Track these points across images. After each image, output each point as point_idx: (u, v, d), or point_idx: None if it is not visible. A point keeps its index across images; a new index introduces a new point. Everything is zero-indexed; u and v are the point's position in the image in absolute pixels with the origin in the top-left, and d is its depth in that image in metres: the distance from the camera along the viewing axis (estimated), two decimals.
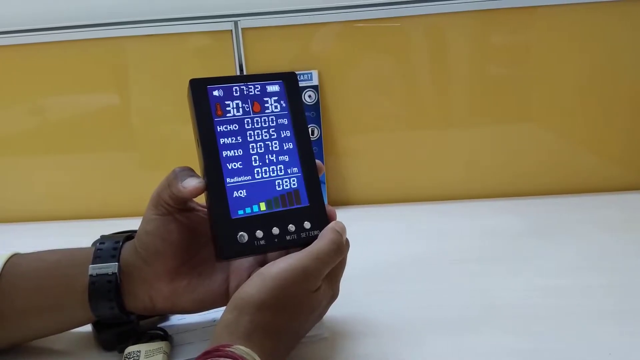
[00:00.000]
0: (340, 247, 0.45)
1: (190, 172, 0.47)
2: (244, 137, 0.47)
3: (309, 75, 0.86)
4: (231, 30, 0.85)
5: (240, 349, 0.39)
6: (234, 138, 0.47)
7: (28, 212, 0.94)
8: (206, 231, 0.48)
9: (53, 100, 0.90)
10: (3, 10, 0.87)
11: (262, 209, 0.46)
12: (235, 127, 0.47)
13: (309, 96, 0.86)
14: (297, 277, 0.43)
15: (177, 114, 0.88)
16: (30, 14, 0.87)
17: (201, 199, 0.48)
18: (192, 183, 0.45)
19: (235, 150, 0.47)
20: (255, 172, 0.47)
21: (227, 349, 0.39)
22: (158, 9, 0.86)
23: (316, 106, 0.87)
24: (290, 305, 0.43)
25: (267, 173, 0.47)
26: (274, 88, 0.49)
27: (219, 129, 0.47)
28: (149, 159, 0.91)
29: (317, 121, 0.87)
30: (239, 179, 0.46)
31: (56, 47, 0.87)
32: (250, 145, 0.47)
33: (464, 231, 0.76)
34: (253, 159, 0.47)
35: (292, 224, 0.47)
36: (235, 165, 0.46)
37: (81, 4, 0.86)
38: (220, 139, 0.46)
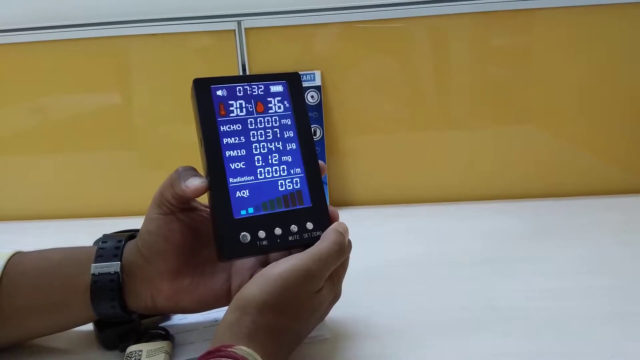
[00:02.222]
0: (342, 248, 0.45)
1: (193, 171, 0.47)
2: (247, 137, 0.47)
3: (312, 75, 0.86)
4: (234, 30, 0.85)
5: (242, 349, 0.39)
6: (237, 138, 0.47)
7: (30, 210, 0.94)
8: (208, 231, 0.47)
9: (54, 99, 0.90)
10: (4, 8, 0.87)
11: (264, 210, 0.46)
12: (239, 127, 0.47)
13: (312, 96, 0.86)
14: (299, 278, 0.43)
15: (179, 113, 0.88)
16: (32, 12, 0.87)
17: (204, 199, 0.48)
18: (194, 183, 0.45)
19: (238, 150, 0.47)
20: (258, 172, 0.47)
21: (229, 349, 0.39)
22: (161, 9, 0.86)
23: (319, 107, 0.87)
24: (292, 306, 0.43)
25: (270, 173, 0.47)
26: (277, 88, 0.49)
27: (222, 128, 0.46)
28: (151, 158, 0.91)
29: (320, 122, 0.87)
30: (242, 179, 0.46)
31: (58, 45, 0.87)
32: (254, 145, 0.47)
33: (465, 233, 0.76)
34: (256, 159, 0.47)
35: (295, 224, 0.47)
36: (238, 165, 0.46)
37: (83, 3, 0.86)
38: (224, 139, 0.46)
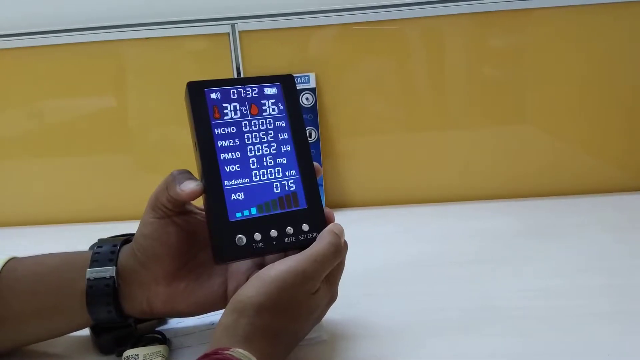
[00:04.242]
0: (338, 249, 0.45)
1: (188, 174, 0.47)
2: (242, 139, 0.47)
3: (307, 77, 0.86)
4: (228, 33, 0.85)
5: (238, 352, 0.39)
6: (232, 140, 0.47)
7: (25, 215, 0.94)
8: (204, 234, 0.47)
9: (50, 103, 0.90)
10: (1, 13, 0.87)
11: (260, 212, 0.46)
12: (233, 129, 0.47)
13: (307, 99, 0.86)
14: (296, 279, 0.43)
15: (174, 116, 0.88)
16: (28, 17, 0.87)
17: (199, 202, 0.48)
18: (190, 186, 0.45)
19: (233, 153, 0.46)
20: (253, 174, 0.47)
21: (226, 352, 0.39)
22: (155, 12, 0.86)
23: (313, 109, 0.87)
24: (289, 308, 0.43)
25: (265, 175, 0.47)
26: (271, 90, 0.49)
27: (216, 131, 0.46)
28: (147, 162, 0.91)
29: (315, 124, 0.87)
30: (237, 182, 0.46)
31: (54, 50, 0.87)
32: (248, 147, 0.47)
33: (462, 233, 0.76)
34: (251, 162, 0.47)
35: (291, 226, 0.46)
36: (233, 168, 0.46)
37: (78, 8, 0.86)
38: (218, 142, 0.46)
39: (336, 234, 0.46)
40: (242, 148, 0.47)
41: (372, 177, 0.91)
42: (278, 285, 0.42)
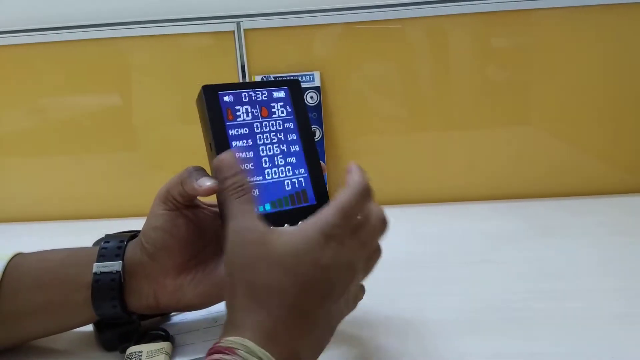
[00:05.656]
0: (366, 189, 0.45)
1: (203, 172, 0.48)
2: (254, 140, 0.49)
3: (311, 76, 0.86)
4: (233, 31, 0.85)
5: (227, 340, 0.38)
6: (245, 141, 0.48)
7: (30, 212, 0.94)
8: (212, 228, 0.49)
9: (55, 100, 0.90)
10: (4, 10, 0.87)
11: (273, 207, 0.48)
12: (246, 130, 0.49)
13: (311, 97, 0.86)
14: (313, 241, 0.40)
15: (179, 114, 0.88)
16: (32, 14, 0.86)
17: (207, 198, 0.48)
18: (207, 183, 0.46)
19: (247, 152, 0.48)
20: (266, 173, 0.48)
21: (217, 344, 0.38)
22: (160, 10, 0.86)
23: (318, 107, 0.87)
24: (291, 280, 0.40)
25: (277, 174, 0.49)
26: (279, 94, 0.51)
27: (230, 132, 0.48)
28: (151, 160, 0.91)
29: (319, 122, 0.87)
30: (251, 180, 0.47)
31: (59, 47, 0.87)
32: (260, 147, 0.49)
33: (466, 233, 0.76)
34: (263, 161, 0.49)
35: (301, 221, 0.47)
36: (247, 167, 0.48)
37: (83, 5, 0.86)
38: (232, 142, 0.48)
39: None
40: (254, 148, 0.48)
41: (375, 176, 0.89)
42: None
